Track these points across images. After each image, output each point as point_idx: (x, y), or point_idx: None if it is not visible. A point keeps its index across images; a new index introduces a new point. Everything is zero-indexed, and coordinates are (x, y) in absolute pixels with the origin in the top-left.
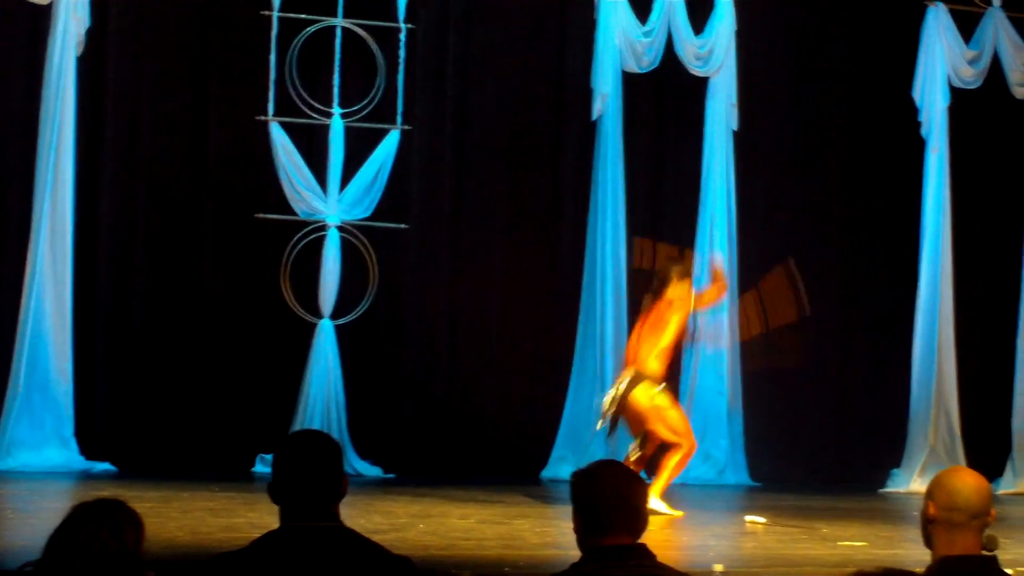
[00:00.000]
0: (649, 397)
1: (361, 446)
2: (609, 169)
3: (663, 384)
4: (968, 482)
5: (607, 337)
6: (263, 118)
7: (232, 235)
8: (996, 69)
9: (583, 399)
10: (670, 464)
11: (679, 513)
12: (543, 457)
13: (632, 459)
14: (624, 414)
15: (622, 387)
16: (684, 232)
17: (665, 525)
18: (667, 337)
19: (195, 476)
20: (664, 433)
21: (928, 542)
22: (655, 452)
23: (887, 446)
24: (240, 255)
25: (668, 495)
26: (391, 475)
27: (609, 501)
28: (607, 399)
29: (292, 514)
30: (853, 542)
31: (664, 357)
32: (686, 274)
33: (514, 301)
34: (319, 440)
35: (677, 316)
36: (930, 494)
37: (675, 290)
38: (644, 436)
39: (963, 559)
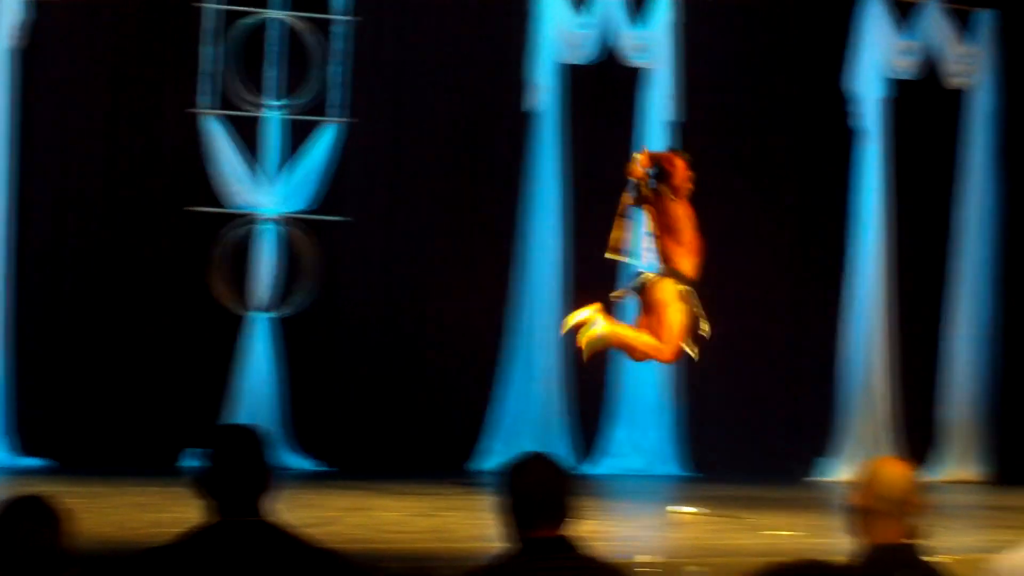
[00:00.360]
0: (673, 292)
1: (294, 440)
2: (546, 161)
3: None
4: (893, 471)
5: (537, 329)
6: (195, 110)
7: (166, 229)
8: (930, 59)
9: (513, 390)
10: (641, 341)
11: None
12: (474, 449)
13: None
14: (642, 296)
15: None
16: None
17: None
18: (687, 231)
19: (126, 471)
20: (658, 328)
21: (854, 531)
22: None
23: (815, 435)
24: (174, 249)
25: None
26: (324, 468)
27: (536, 494)
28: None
29: (219, 508)
30: (780, 531)
31: (691, 253)
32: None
33: (449, 293)
34: (246, 434)
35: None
36: (856, 483)
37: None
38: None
39: (888, 547)
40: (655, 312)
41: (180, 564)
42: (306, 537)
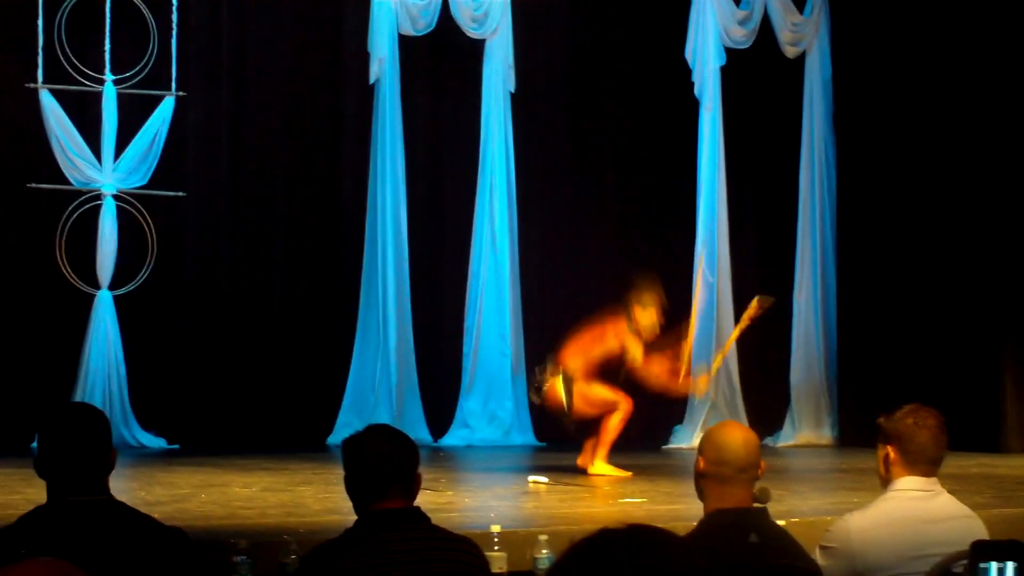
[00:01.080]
0: (565, 391)
1: (144, 417)
2: (388, 133)
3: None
4: (735, 436)
5: (389, 301)
6: (32, 85)
7: (4, 206)
8: (767, 29)
9: (367, 365)
10: (610, 426)
11: (627, 473)
12: (329, 424)
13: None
14: (549, 407)
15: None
16: (464, 195)
17: (447, 488)
18: (597, 352)
19: None
20: (595, 411)
21: (700, 496)
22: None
23: (669, 402)
24: (13, 226)
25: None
26: (175, 446)
27: (379, 465)
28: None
29: (60, 488)
30: (633, 499)
31: (589, 366)
32: (648, 304)
33: (295, 267)
34: (84, 412)
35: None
36: (700, 449)
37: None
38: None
39: (733, 512)
40: (576, 411)
41: (20, 545)
42: (148, 515)
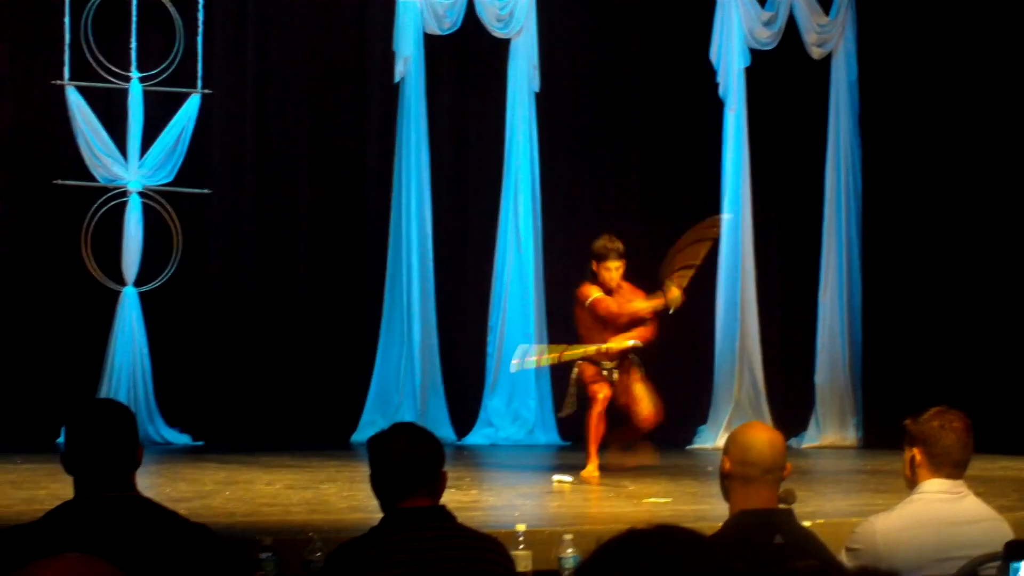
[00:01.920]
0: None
1: (169, 414)
2: (412, 132)
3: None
4: (761, 437)
5: (414, 300)
6: (59, 82)
7: (31, 203)
8: (792, 30)
9: (391, 363)
10: (588, 424)
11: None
12: (353, 421)
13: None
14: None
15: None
16: (489, 194)
17: (471, 487)
18: (582, 328)
19: (3, 448)
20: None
21: (726, 496)
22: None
23: (693, 403)
24: (40, 223)
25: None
26: (200, 443)
27: (405, 464)
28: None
29: (86, 484)
30: (658, 499)
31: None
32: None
33: (320, 265)
34: (111, 409)
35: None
36: (725, 450)
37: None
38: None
39: (759, 512)
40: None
41: (47, 541)
42: (174, 512)
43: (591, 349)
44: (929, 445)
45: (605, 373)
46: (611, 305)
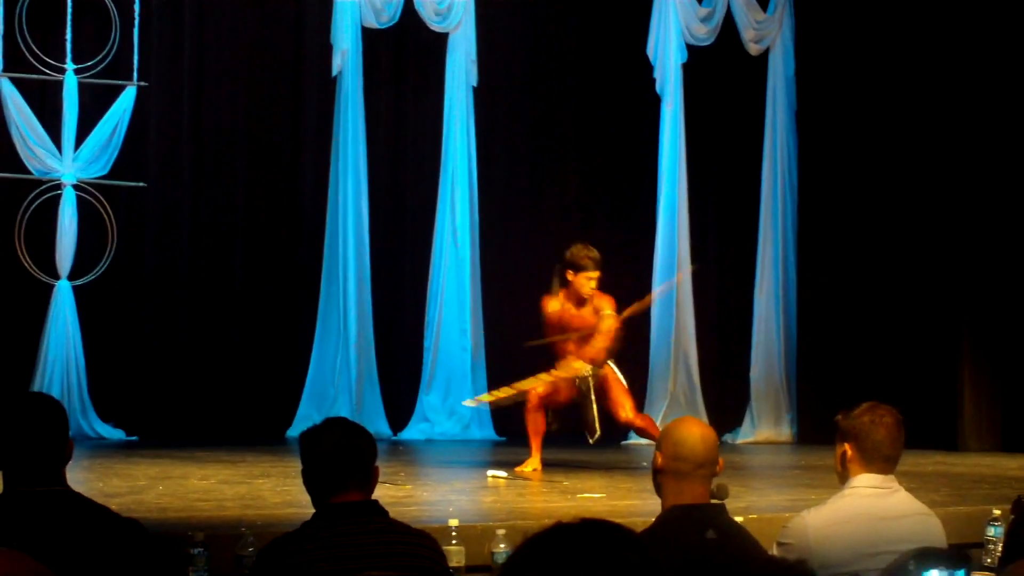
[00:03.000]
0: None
1: (102, 409)
2: (350, 126)
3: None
4: (693, 432)
5: (350, 294)
6: None
7: None
8: (730, 26)
9: (327, 357)
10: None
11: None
12: (289, 416)
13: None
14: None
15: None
16: (426, 188)
17: (406, 482)
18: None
19: None
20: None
21: (659, 492)
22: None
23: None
24: None
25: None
26: (133, 437)
27: (336, 458)
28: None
29: (15, 478)
30: (592, 494)
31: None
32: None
33: (256, 259)
34: (41, 402)
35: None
36: (658, 445)
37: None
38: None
39: (691, 508)
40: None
41: None
42: (105, 507)
43: (541, 378)
44: (860, 440)
45: (578, 382)
46: (552, 321)
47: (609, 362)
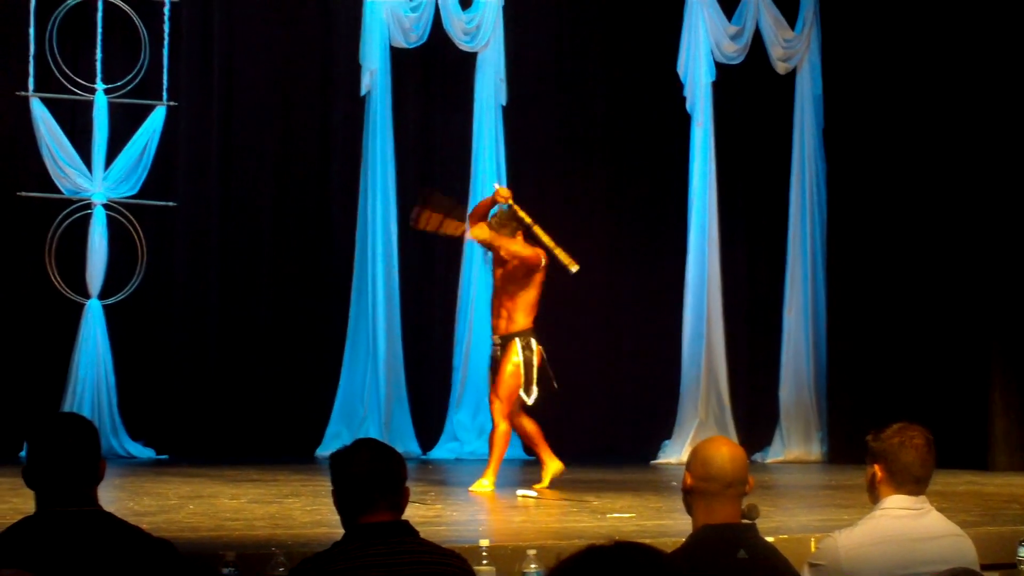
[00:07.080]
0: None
1: (133, 428)
2: (379, 145)
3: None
4: (722, 452)
5: (379, 313)
6: (23, 93)
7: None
8: (758, 45)
9: (357, 375)
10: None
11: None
12: (318, 435)
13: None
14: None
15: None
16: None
17: (436, 501)
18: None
19: None
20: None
21: (689, 511)
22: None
23: (658, 417)
24: (3, 235)
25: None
26: (164, 456)
27: (367, 479)
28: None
29: (48, 499)
30: (622, 514)
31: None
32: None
33: (285, 278)
34: (73, 422)
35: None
36: (688, 465)
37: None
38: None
39: (722, 527)
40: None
41: (7, 556)
42: (137, 527)
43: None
44: (890, 462)
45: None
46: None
47: (518, 340)
